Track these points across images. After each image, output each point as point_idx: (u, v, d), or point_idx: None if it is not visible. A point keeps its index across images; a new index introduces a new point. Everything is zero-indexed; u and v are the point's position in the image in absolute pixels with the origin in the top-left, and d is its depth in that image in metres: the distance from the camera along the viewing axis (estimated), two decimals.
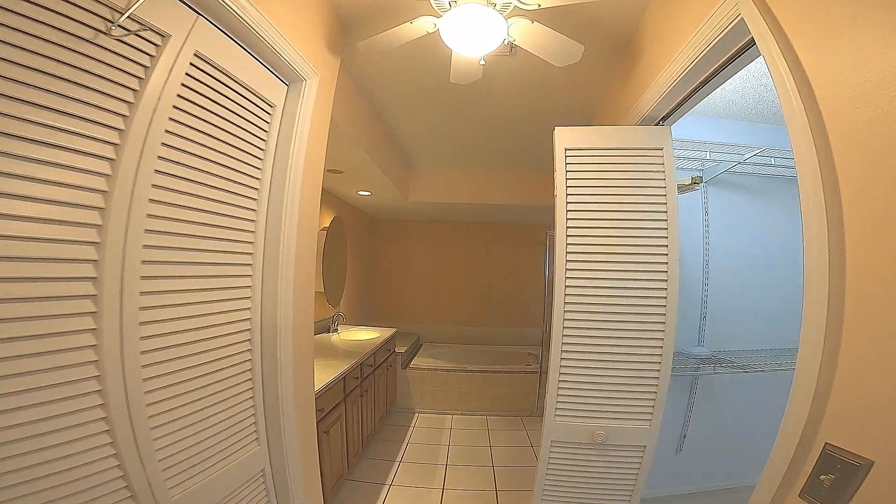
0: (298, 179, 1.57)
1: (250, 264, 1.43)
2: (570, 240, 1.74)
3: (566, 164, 1.77)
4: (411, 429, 3.76)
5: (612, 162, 1.75)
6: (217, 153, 1.24)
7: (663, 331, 1.68)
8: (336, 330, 3.81)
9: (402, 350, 4.28)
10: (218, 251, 1.28)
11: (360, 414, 2.87)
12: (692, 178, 2.16)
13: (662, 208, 1.71)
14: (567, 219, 1.74)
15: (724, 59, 1.30)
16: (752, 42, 1.13)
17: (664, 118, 1.75)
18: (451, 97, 2.65)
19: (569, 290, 1.73)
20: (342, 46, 1.94)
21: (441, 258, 5.61)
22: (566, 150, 1.78)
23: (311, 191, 1.72)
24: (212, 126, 1.20)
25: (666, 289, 1.69)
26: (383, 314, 5.48)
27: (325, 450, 2.15)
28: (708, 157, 2.46)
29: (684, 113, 1.69)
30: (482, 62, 1.69)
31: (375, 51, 1.65)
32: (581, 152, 1.77)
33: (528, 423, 3.97)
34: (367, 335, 3.77)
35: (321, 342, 3.30)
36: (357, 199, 4.39)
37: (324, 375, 2.24)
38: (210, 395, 1.25)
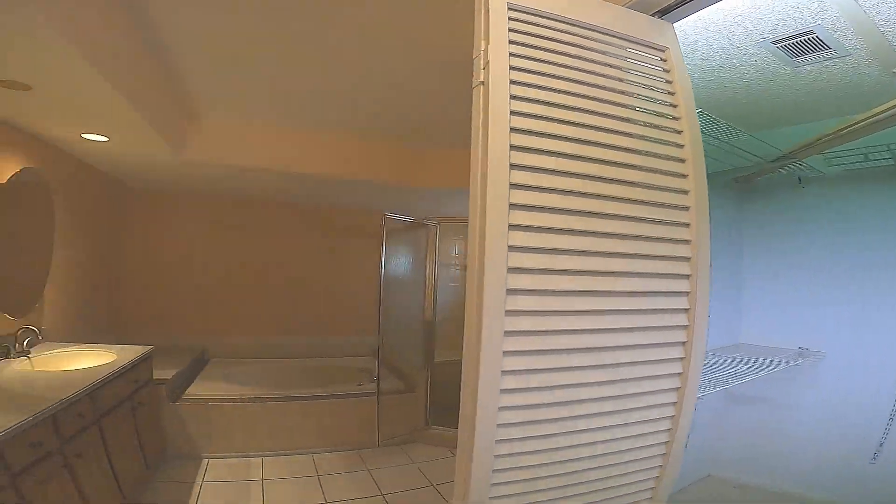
0: None
1: None
2: (516, 171, 0.92)
3: (510, 31, 0.95)
4: (199, 485, 2.51)
5: (585, 48, 1.02)
6: None
7: (683, 346, 1.02)
8: (26, 354, 2.19)
9: (170, 375, 2.86)
10: None
11: (80, 489, 1.62)
12: None
13: (678, 139, 1.06)
14: (512, 128, 0.91)
15: None
16: None
17: (663, 12, 1.10)
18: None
19: (514, 274, 0.91)
20: None
21: (234, 246, 4.16)
22: (510, 6, 0.95)
23: None
24: None
25: (689, 275, 1.05)
26: (132, 325, 3.71)
27: None
28: None
29: (696, 10, 1.07)
30: None
31: None
32: (538, 20, 0.98)
33: (371, 459, 3.00)
34: (87, 360, 2.26)
35: None
36: (85, 148, 2.72)
37: None
38: None
